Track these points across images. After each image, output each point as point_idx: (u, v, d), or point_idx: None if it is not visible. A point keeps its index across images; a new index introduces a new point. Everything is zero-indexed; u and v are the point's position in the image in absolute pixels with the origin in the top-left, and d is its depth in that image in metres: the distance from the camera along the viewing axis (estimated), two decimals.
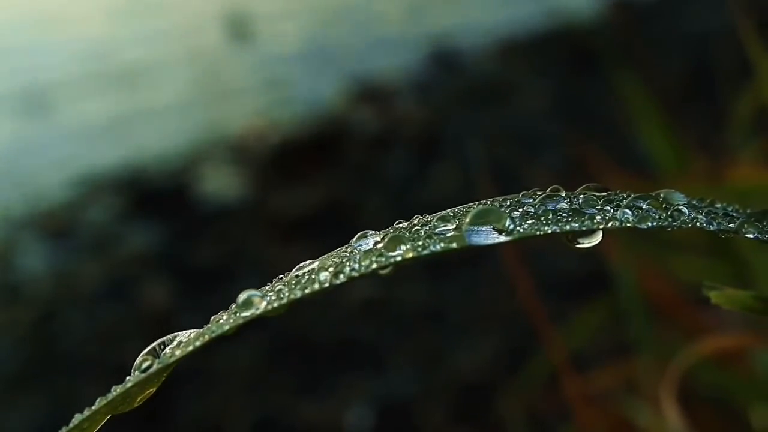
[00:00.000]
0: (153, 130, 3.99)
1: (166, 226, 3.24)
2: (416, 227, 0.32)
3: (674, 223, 0.36)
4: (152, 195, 3.46)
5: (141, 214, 3.37)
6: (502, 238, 0.31)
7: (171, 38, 4.90)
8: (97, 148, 3.88)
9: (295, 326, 2.57)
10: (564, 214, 0.34)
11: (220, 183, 3.51)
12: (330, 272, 0.30)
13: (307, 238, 3.01)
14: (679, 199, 0.37)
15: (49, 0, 5.57)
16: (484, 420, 2.09)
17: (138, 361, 0.32)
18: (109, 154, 3.78)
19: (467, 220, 0.32)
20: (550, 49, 4.13)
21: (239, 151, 3.71)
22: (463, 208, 0.33)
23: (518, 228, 0.32)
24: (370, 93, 4.01)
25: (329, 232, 2.97)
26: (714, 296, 0.42)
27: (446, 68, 4.25)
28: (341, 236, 0.35)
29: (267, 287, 0.32)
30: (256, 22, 4.88)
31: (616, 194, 0.36)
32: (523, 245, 2.39)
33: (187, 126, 3.96)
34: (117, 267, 3.04)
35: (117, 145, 3.87)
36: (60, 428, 0.32)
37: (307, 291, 0.30)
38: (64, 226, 3.35)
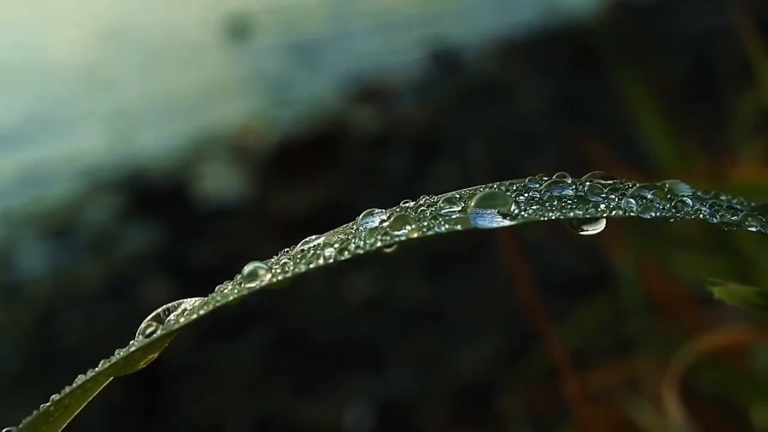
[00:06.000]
0: (153, 129, 3.99)
1: (165, 226, 3.23)
2: (422, 208, 0.32)
3: (678, 214, 0.35)
4: (152, 195, 3.46)
5: (141, 213, 3.37)
6: (507, 222, 0.31)
7: (170, 37, 4.89)
8: (96, 146, 3.88)
9: (294, 325, 2.57)
10: (569, 201, 0.33)
11: (220, 183, 3.51)
12: (335, 248, 0.31)
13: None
14: (684, 190, 0.37)
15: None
16: (484, 419, 2.09)
17: (142, 326, 0.32)
18: (108, 153, 3.78)
19: (473, 203, 0.32)
20: (550, 49, 4.13)
21: (239, 151, 3.71)
22: (470, 190, 0.33)
23: (523, 213, 0.32)
24: (369, 92, 4.01)
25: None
26: (717, 292, 0.41)
27: (446, 67, 4.24)
28: None
29: (272, 260, 0.32)
30: (255, 22, 4.88)
31: (621, 183, 0.36)
32: (523, 241, 2.38)
33: (187, 126, 3.96)
34: (117, 267, 3.03)
35: (117, 145, 3.86)
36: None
37: (311, 266, 0.30)
38: (64, 225, 3.34)
